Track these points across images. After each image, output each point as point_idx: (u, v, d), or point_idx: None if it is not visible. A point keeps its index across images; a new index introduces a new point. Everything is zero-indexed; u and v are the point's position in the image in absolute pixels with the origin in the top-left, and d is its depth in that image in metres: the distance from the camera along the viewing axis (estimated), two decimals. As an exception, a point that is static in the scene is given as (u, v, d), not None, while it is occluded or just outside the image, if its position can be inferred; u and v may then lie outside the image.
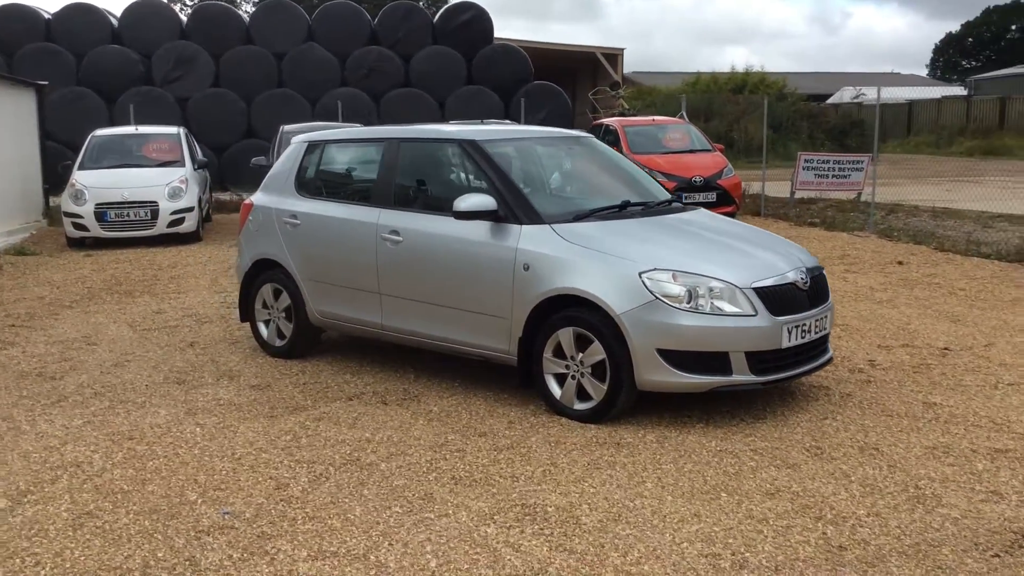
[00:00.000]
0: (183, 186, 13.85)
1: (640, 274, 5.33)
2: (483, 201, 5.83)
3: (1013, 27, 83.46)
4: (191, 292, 10.22)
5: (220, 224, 16.51)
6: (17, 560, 3.90)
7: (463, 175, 6.48)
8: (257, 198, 7.52)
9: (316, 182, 7.19)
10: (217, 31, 23.23)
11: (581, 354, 5.53)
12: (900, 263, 11.19)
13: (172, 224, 13.69)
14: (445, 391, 6.29)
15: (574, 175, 6.90)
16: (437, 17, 24.37)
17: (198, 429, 5.58)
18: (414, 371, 6.79)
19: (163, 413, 5.91)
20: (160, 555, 3.93)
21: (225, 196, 18.96)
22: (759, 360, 5.36)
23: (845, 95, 54.87)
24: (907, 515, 4.19)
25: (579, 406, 5.58)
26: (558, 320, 5.60)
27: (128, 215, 13.46)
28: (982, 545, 3.89)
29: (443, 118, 23.20)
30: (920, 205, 17.13)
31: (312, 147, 7.26)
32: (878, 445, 5.09)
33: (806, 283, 5.63)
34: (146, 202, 13.51)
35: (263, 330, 7.42)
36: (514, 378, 6.14)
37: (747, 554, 3.82)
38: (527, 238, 5.74)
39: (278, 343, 7.31)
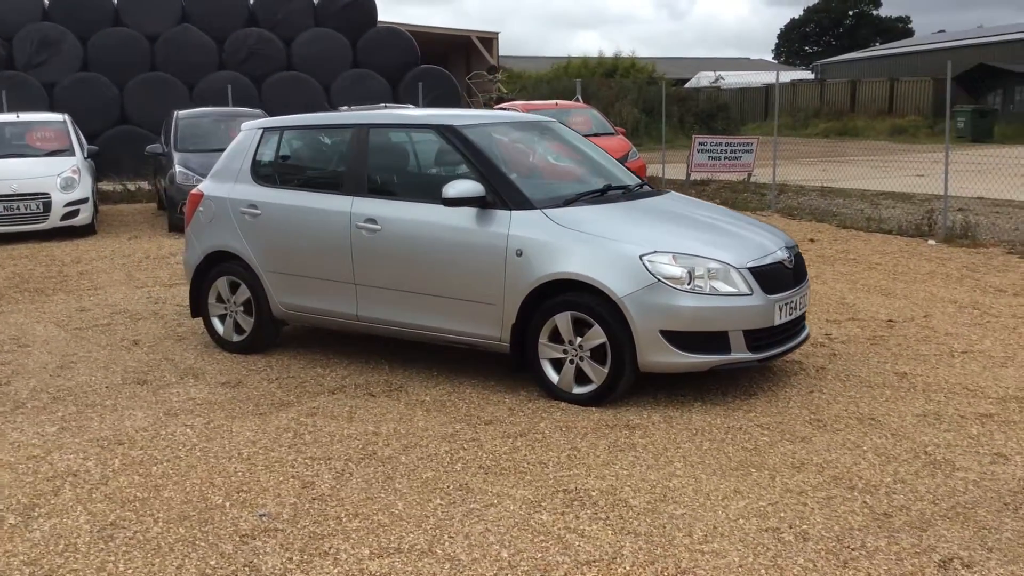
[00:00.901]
0: (76, 176, 13.14)
1: (641, 257, 5.40)
2: (471, 187, 5.77)
3: (851, 13, 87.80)
4: (109, 288, 9.73)
5: (108, 215, 15.73)
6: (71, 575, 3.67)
7: (441, 161, 6.39)
8: (207, 187, 7.23)
9: (276, 170, 6.97)
10: (83, 12, 22.08)
11: (579, 338, 5.56)
12: (812, 240, 11.67)
13: (66, 217, 12.97)
14: (429, 380, 6.22)
15: (548, 160, 6.90)
16: (319, -1, 23.83)
17: (188, 431, 5.34)
18: (386, 362, 6.68)
19: (140, 416, 5.64)
20: (213, 563, 3.76)
21: (108, 186, 18.04)
22: (755, 338, 5.52)
23: (702, 79, 56.69)
24: (930, 480, 4.41)
25: (578, 390, 5.62)
26: (555, 305, 5.61)
27: (18, 208, 12.67)
28: (1011, 505, 4.13)
29: (329, 102, 22.77)
30: (804, 185, 17.87)
31: (268, 133, 7.01)
32: (873, 415, 5.32)
33: (791, 261, 5.83)
34: (38, 194, 12.75)
35: (218, 325, 7.15)
36: (497, 365, 6.12)
37: (804, 526, 3.95)
38: (518, 224, 5.72)
39: (236, 338, 7.06)
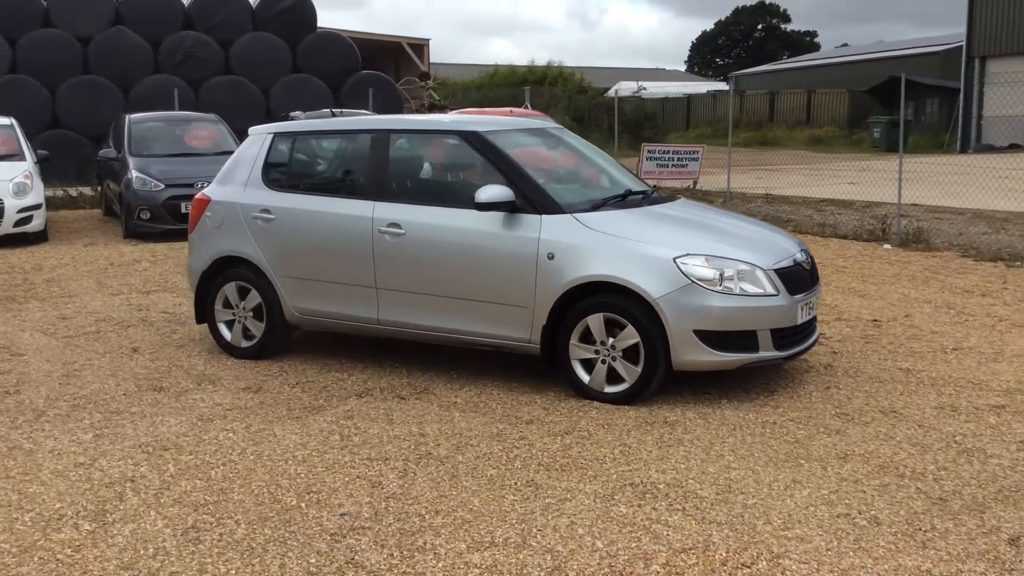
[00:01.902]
0: (28, 181, 12.79)
1: (675, 259, 5.59)
2: (502, 192, 5.88)
3: (760, 26, 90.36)
4: (83, 295, 9.53)
5: (53, 222, 15.25)
6: (170, 580, 3.66)
7: (465, 166, 6.49)
8: (214, 192, 7.17)
9: (290, 175, 6.96)
10: (11, 12, 21.42)
11: (611, 339, 5.72)
12: (774, 245, 12.04)
13: (19, 223, 12.60)
14: (452, 383, 6.30)
15: (564, 165, 7.04)
16: (257, 3, 23.52)
17: (231, 435, 5.33)
18: (402, 365, 6.74)
19: (173, 422, 5.60)
20: (313, 560, 3.80)
21: (47, 192, 17.46)
22: (780, 336, 5.76)
23: (622, 89, 57.64)
24: (970, 467, 4.69)
25: (610, 389, 5.77)
26: (587, 307, 5.76)
27: (-31, 214, 12.27)
28: (1052, 488, 4.43)
29: (268, 107, 22.54)
30: (748, 192, 18.38)
31: (279, 139, 7.00)
32: (894, 408, 5.61)
33: (808, 263, 6.09)
34: (-11, 200, 12.36)
35: (225, 331, 7.10)
36: (516, 366, 6.27)
37: (872, 512, 4.17)
38: (549, 228, 5.85)
39: (244, 344, 7.02)
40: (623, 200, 6.36)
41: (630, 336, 5.66)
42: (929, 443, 5.02)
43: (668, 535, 3.96)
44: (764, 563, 3.69)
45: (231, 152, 13.83)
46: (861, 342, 7.20)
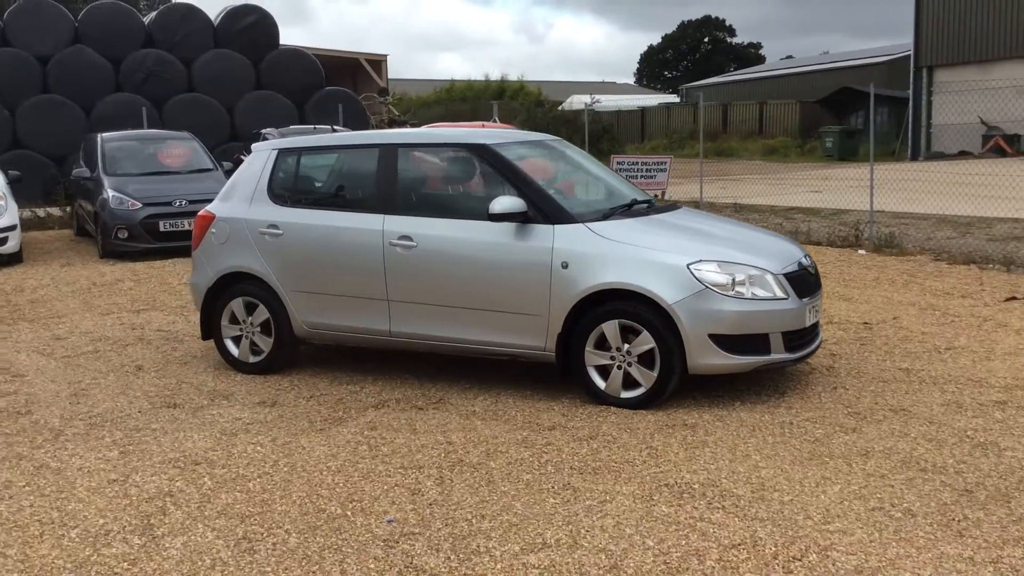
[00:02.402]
0: (3, 203, 12.64)
1: (688, 265, 5.74)
2: (515, 203, 6.00)
3: (707, 39, 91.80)
4: (72, 316, 9.46)
5: (27, 243, 15.01)
6: (236, 590, 3.70)
7: (473, 179, 6.59)
8: (218, 209, 7.20)
9: (297, 190, 7.01)
10: (-35, 32, 21.13)
11: (627, 345, 5.85)
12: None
13: (-5, 244, 12.45)
14: (466, 392, 6.38)
15: (566, 176, 7.17)
16: (218, 20, 23.41)
17: (259, 448, 5.37)
18: (411, 376, 6.81)
19: (196, 437, 5.61)
20: (373, 566, 3.87)
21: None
22: (790, 339, 5.93)
23: (575, 102, 58.14)
24: (986, 460, 4.88)
25: (626, 394, 5.90)
26: (603, 314, 5.88)
27: (-56, 236, 12.09)
28: (1068, 476, 4.63)
29: (233, 124, 22.44)
30: (716, 202, 18.68)
31: (284, 155, 7.05)
32: (902, 406, 5.80)
33: (812, 267, 6.28)
34: (-36, 222, 12.20)
35: (231, 347, 7.12)
36: (526, 374, 6.39)
37: (904, 505, 4.33)
38: (562, 237, 5.97)
39: (252, 359, 7.05)
40: (629, 209, 6.50)
41: (645, 342, 5.79)
42: (943, 438, 5.21)
43: (714, 532, 4.08)
44: (814, 556, 3.83)
45: (207, 170, 13.92)
46: (856, 344, 7.40)
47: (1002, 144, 30.00)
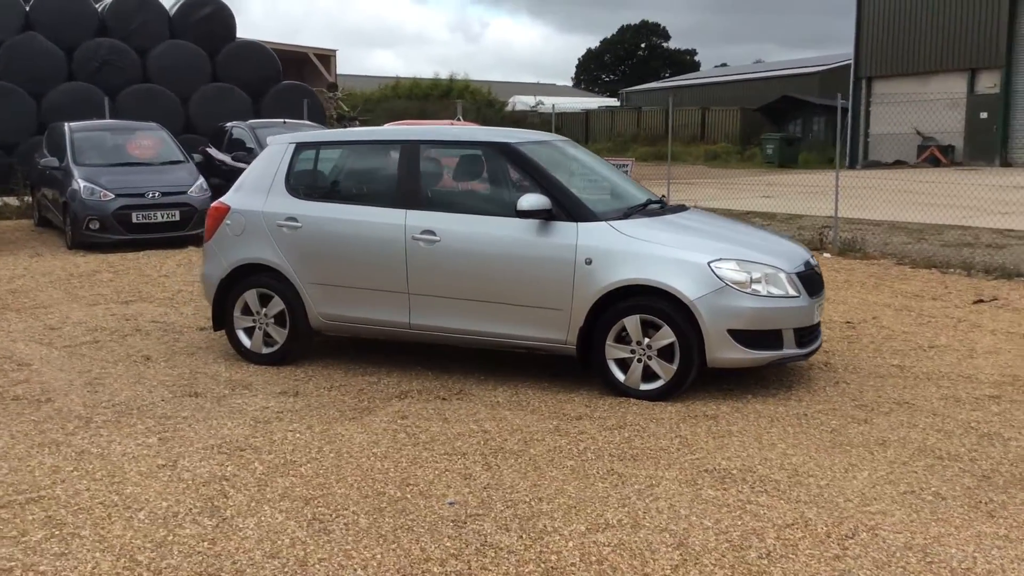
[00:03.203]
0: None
1: (709, 263, 6.01)
2: (541, 200, 6.20)
3: (643, 45, 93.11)
4: (58, 306, 9.39)
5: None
6: (328, 564, 3.84)
7: (496, 176, 6.77)
8: (233, 201, 7.26)
9: (316, 184, 7.11)
10: (-90, 17, 20.55)
11: (647, 339, 6.10)
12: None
13: (-39, 232, 12.20)
14: (484, 384, 6.56)
15: (580, 176, 7.38)
16: (174, 10, 23.11)
17: (298, 435, 5.48)
18: (426, 368, 6.97)
19: (230, 425, 5.70)
20: (449, 544, 4.04)
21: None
22: (800, 335, 6.24)
23: (518, 103, 58.50)
24: (994, 449, 5.23)
25: (645, 387, 6.14)
26: (624, 309, 6.12)
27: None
28: (1073, 463, 5.00)
29: (188, 116, 22.20)
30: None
31: (302, 149, 7.15)
32: (904, 400, 6.15)
33: (818, 268, 6.60)
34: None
35: (244, 338, 7.19)
36: (541, 367, 6.60)
37: (932, 488, 4.64)
38: (586, 234, 6.19)
39: (266, 350, 7.13)
40: (644, 209, 6.75)
41: (666, 336, 6.04)
42: (950, 429, 5.55)
43: (765, 514, 4.34)
44: (864, 534, 4.11)
45: (178, 162, 13.83)
46: (845, 342, 7.77)
47: (937, 154, 31.11)
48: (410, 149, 6.76)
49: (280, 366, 7.06)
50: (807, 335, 6.33)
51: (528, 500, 4.52)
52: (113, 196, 12.82)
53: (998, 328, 8.19)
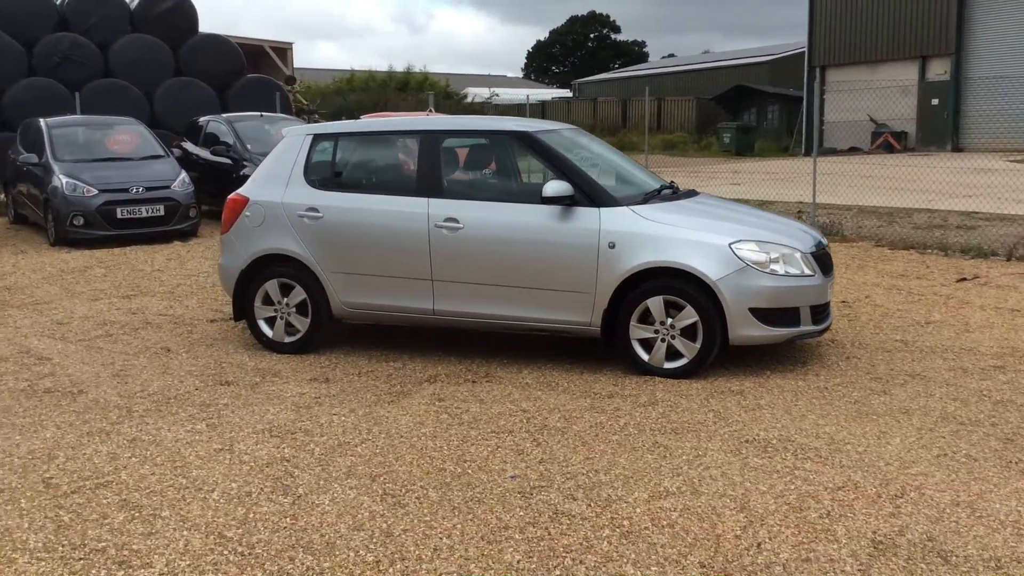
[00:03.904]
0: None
1: (730, 245, 6.24)
2: (564, 187, 6.39)
3: (593, 36, 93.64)
4: (59, 302, 9.38)
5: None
6: (412, 534, 4.00)
7: (515, 164, 6.94)
8: (252, 192, 7.34)
9: (336, 174, 7.22)
10: None
11: (671, 319, 6.32)
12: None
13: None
14: (509, 366, 6.74)
15: (591, 162, 7.56)
16: (135, 4, 22.83)
17: (343, 419, 5.61)
18: (446, 353, 7.12)
19: (273, 410, 5.82)
20: (522, 514, 4.22)
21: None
22: (815, 312, 6.51)
23: (471, 94, 58.57)
24: (1012, 415, 5.52)
25: (669, 365, 6.37)
26: (647, 290, 6.33)
27: None
28: (1087, 426, 5.32)
29: (152, 111, 21.97)
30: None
31: (320, 140, 7.25)
32: (915, 372, 6.44)
33: (828, 248, 6.88)
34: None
35: (265, 328, 7.29)
36: (558, 348, 6.80)
37: (963, 452, 4.92)
38: (608, 219, 6.39)
39: (287, 339, 7.23)
40: (659, 194, 6.97)
41: (689, 316, 6.27)
42: (965, 398, 5.85)
43: (814, 478, 4.58)
44: (912, 494, 4.37)
45: (158, 156, 13.79)
46: (845, 320, 8.06)
47: (891, 140, 31.85)
48: (430, 139, 6.90)
49: (303, 354, 7.17)
50: (821, 312, 6.60)
51: (585, 472, 4.71)
52: (97, 192, 12.74)
53: (986, 304, 8.56)
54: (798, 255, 6.41)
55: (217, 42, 23.57)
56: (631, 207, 6.47)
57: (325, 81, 46.95)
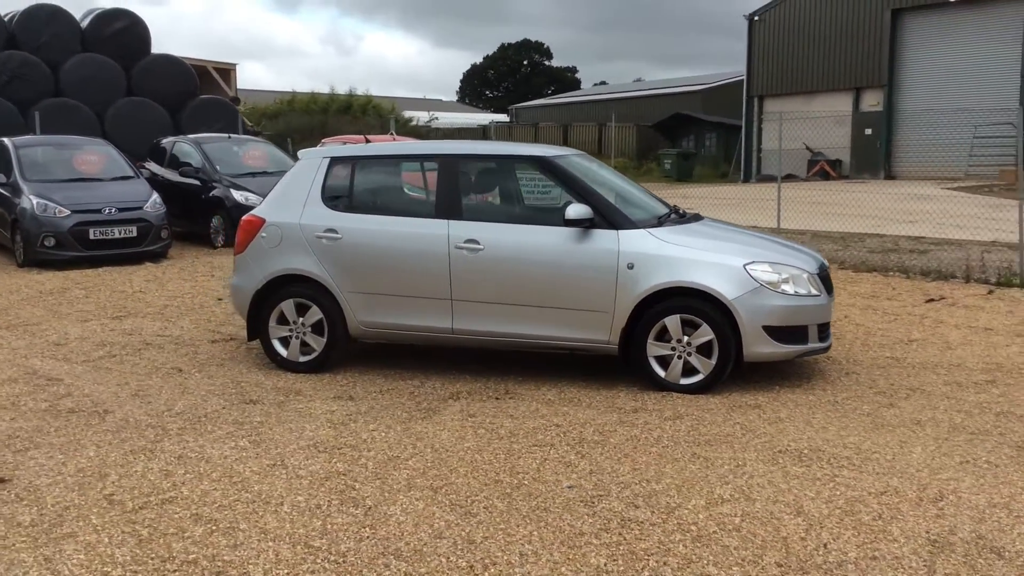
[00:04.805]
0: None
1: (745, 266, 6.55)
2: (585, 210, 6.64)
3: (526, 62, 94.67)
4: (47, 323, 9.30)
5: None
6: (493, 541, 4.16)
7: (533, 188, 7.16)
8: (267, 213, 7.43)
9: (355, 197, 7.34)
10: None
11: (687, 337, 6.59)
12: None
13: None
14: (528, 384, 6.93)
15: (602, 186, 7.80)
16: (86, 23, 22.56)
17: (381, 434, 5.74)
18: (461, 371, 7.29)
19: (310, 428, 5.92)
20: (591, 521, 4.41)
21: None
22: (821, 330, 6.84)
23: (410, 118, 58.67)
24: (1014, 424, 5.89)
25: (685, 381, 6.63)
26: (664, 309, 6.60)
27: None
28: (1086, 434, 5.71)
29: (103, 131, 21.69)
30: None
31: (337, 163, 7.38)
32: (914, 386, 6.81)
33: (828, 269, 7.23)
34: None
35: (279, 348, 7.37)
36: (572, 366, 7.04)
37: (983, 458, 5.26)
38: (627, 241, 6.65)
39: (303, 359, 7.32)
40: (671, 217, 7.26)
41: (705, 334, 6.55)
42: (968, 410, 6.22)
43: (856, 484, 4.86)
44: (951, 497, 4.67)
45: (128, 177, 13.70)
46: (834, 338, 8.41)
47: (827, 168, 32.88)
48: (449, 163, 7.10)
49: (319, 374, 7.26)
50: (825, 331, 6.94)
51: (637, 482, 4.93)
52: (69, 212, 12.62)
53: (960, 323, 9.02)
54: (805, 276, 6.74)
55: (170, 62, 23.39)
56: (648, 230, 6.74)
57: (265, 102, 46.60)
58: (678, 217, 7.36)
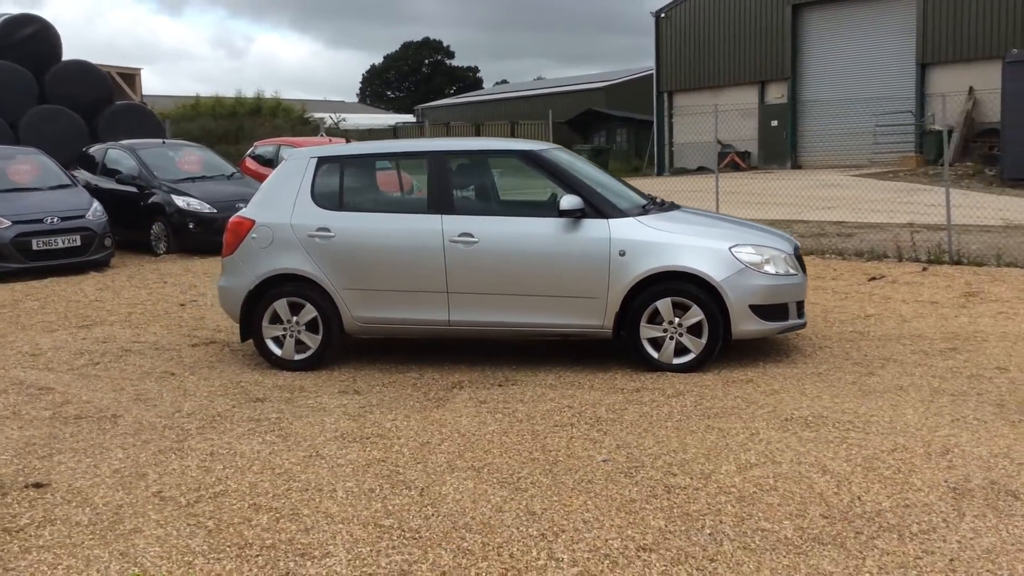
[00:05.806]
0: None
1: (730, 249, 6.92)
2: (577, 201, 6.92)
3: (427, 61, 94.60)
4: (13, 334, 9.14)
5: None
6: (553, 511, 4.39)
7: (521, 181, 7.40)
8: (256, 215, 7.49)
9: (345, 195, 7.45)
10: None
11: (677, 318, 6.93)
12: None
13: None
14: (527, 371, 7.16)
15: (585, 177, 8.05)
16: (-6, 30, 21.84)
17: (406, 423, 5.92)
18: (456, 361, 7.48)
19: (328, 421, 6.05)
20: (637, 489, 4.68)
21: None
22: (798, 307, 7.26)
23: (315, 120, 58.12)
24: (990, 384, 6.36)
25: (678, 360, 6.97)
26: (656, 293, 6.92)
27: None
28: (1053, 390, 6.23)
29: (17, 139, 21.04)
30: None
31: (325, 162, 7.49)
32: (886, 356, 7.26)
33: (800, 250, 7.66)
34: None
35: (273, 347, 7.44)
36: (565, 352, 7.32)
37: (970, 416, 5.70)
38: (618, 229, 6.95)
39: (298, 357, 7.41)
40: (654, 206, 7.58)
41: (695, 315, 6.89)
42: (941, 375, 6.70)
43: (868, 443, 5.25)
44: (955, 450, 5.09)
45: (66, 185, 13.43)
46: (819, 320, 8.88)
47: (737, 160, 33.92)
48: (438, 159, 7.28)
49: (315, 371, 7.36)
50: (801, 308, 7.36)
51: (665, 453, 5.22)
52: (10, 223, 12.32)
53: (907, 298, 9.60)
54: (783, 256, 7.15)
55: (83, 68, 22.80)
56: (636, 218, 7.05)
57: (167, 106, 45.59)
58: (659, 205, 7.68)
